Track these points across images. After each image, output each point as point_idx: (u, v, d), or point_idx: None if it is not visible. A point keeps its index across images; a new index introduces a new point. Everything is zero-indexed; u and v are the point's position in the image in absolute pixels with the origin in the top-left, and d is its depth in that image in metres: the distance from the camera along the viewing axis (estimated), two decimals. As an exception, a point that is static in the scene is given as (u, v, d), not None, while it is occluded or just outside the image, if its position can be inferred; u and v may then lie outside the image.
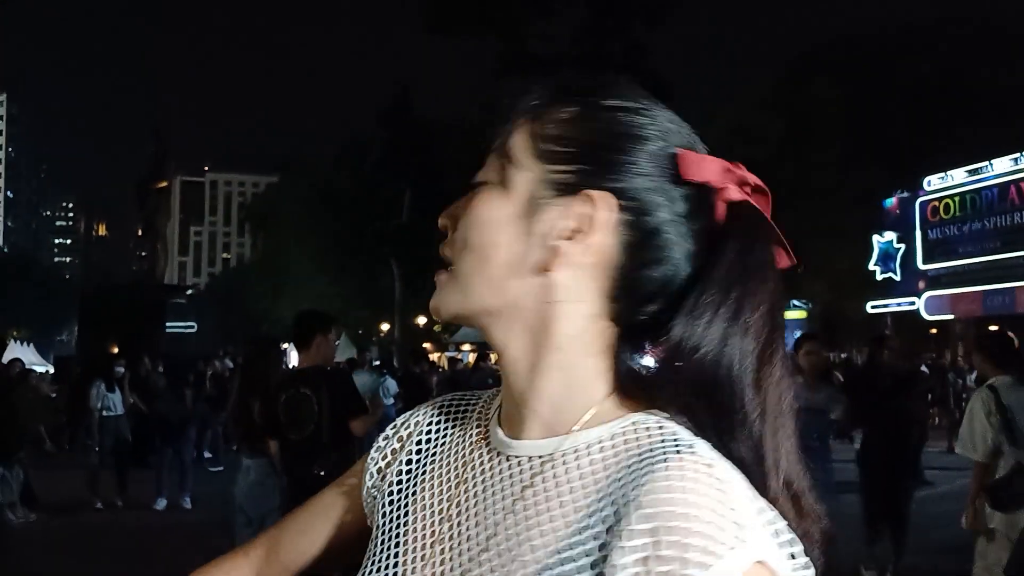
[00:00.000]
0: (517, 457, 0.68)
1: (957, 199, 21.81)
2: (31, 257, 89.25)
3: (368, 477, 0.80)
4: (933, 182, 22.52)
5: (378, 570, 0.70)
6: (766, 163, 24.72)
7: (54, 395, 15.27)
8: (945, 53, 25.17)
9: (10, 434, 7.85)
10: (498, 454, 0.70)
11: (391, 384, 12.27)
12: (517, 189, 0.68)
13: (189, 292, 29.38)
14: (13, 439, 7.98)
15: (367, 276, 32.93)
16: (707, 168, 0.67)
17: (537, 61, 21.58)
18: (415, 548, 0.69)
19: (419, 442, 0.78)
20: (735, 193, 0.67)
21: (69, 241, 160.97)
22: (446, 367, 19.03)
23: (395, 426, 0.82)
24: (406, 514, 0.73)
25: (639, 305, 0.66)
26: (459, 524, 0.68)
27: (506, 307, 0.67)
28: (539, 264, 0.66)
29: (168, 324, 20.86)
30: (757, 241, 0.67)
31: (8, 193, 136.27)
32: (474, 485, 0.69)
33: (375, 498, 0.78)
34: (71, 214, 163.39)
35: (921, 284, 22.62)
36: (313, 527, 0.83)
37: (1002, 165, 20.70)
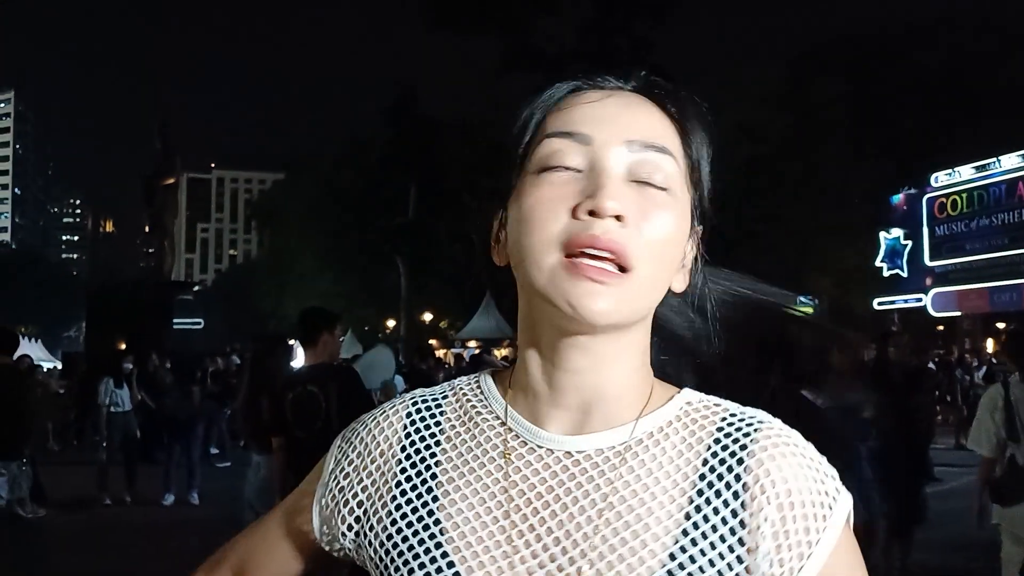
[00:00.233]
0: (582, 452, 0.69)
1: (964, 195, 21.72)
2: (39, 254, 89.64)
3: (325, 526, 0.77)
4: (940, 178, 22.44)
5: None
6: (772, 160, 24.73)
7: (62, 391, 15.35)
8: (953, 48, 25.01)
9: (21, 430, 7.88)
10: (550, 452, 0.70)
11: (398, 381, 12.30)
12: (684, 209, 0.71)
13: (196, 289, 29.39)
14: (24, 435, 8.02)
15: (373, 273, 32.97)
16: None
17: (542, 58, 21.56)
18: (472, 557, 0.68)
19: (414, 460, 0.74)
20: None
21: (76, 238, 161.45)
22: (452, 364, 19.04)
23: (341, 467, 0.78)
24: (440, 532, 0.70)
25: None
26: (529, 523, 0.68)
27: (648, 315, 0.72)
28: (671, 282, 0.72)
29: (175, 321, 20.91)
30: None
31: (16, 190, 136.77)
32: (532, 485, 0.69)
33: (358, 538, 0.75)
34: (78, 211, 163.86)
35: (928, 280, 22.56)
36: (280, 549, 0.82)
37: (1010, 161, 20.60)
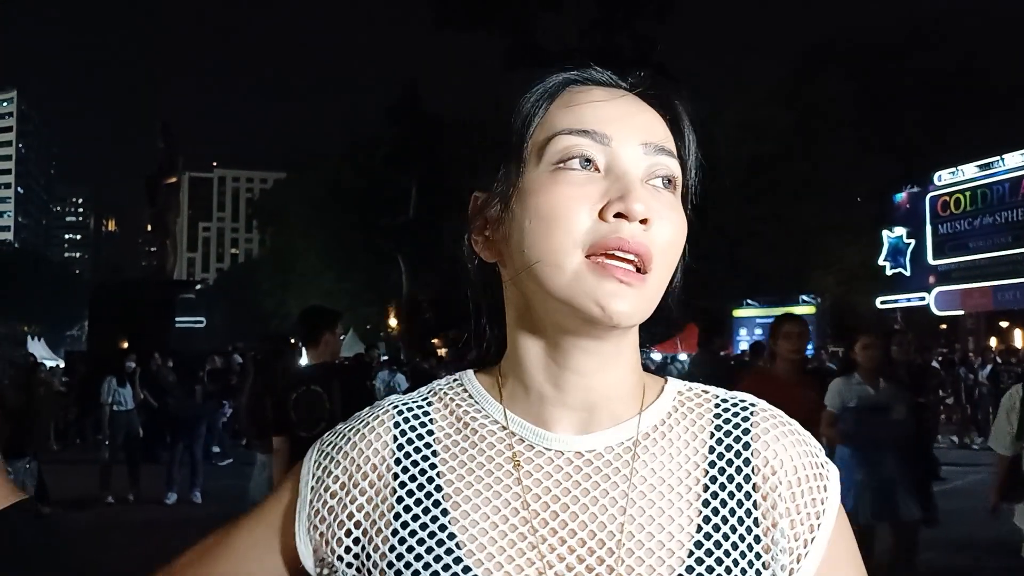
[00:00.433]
0: (592, 451, 0.70)
1: (968, 194, 21.69)
2: (42, 253, 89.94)
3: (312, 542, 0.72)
4: (943, 177, 22.40)
5: None
6: (775, 158, 24.73)
7: (64, 390, 15.37)
8: (956, 47, 24.97)
9: (26, 428, 7.89)
10: (560, 454, 0.70)
11: (400, 379, 12.34)
12: (681, 209, 0.71)
13: (198, 288, 29.44)
14: (29, 433, 8.02)
15: (375, 272, 33.00)
16: None
17: (545, 55, 21.56)
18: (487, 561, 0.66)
19: (412, 472, 0.71)
20: None
21: (79, 237, 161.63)
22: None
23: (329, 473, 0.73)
24: (448, 536, 0.68)
25: None
26: (550, 527, 0.67)
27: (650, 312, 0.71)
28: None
29: (177, 320, 20.94)
30: None
31: (19, 189, 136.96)
32: (548, 488, 0.68)
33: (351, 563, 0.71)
34: (81, 210, 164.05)
35: (931, 279, 22.53)
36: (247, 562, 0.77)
37: (1013, 160, 20.57)
